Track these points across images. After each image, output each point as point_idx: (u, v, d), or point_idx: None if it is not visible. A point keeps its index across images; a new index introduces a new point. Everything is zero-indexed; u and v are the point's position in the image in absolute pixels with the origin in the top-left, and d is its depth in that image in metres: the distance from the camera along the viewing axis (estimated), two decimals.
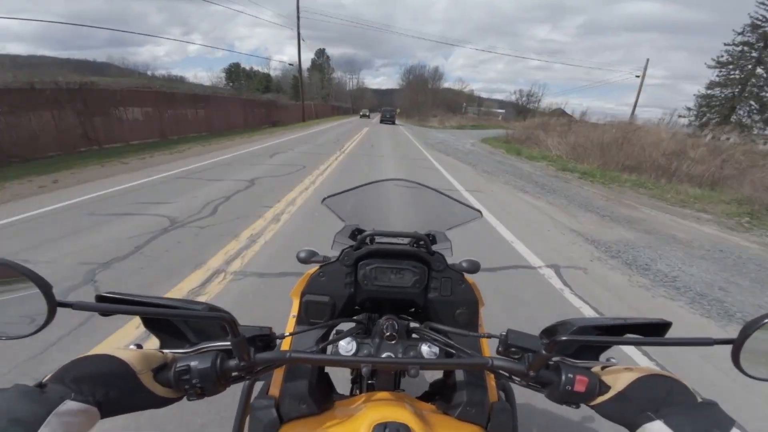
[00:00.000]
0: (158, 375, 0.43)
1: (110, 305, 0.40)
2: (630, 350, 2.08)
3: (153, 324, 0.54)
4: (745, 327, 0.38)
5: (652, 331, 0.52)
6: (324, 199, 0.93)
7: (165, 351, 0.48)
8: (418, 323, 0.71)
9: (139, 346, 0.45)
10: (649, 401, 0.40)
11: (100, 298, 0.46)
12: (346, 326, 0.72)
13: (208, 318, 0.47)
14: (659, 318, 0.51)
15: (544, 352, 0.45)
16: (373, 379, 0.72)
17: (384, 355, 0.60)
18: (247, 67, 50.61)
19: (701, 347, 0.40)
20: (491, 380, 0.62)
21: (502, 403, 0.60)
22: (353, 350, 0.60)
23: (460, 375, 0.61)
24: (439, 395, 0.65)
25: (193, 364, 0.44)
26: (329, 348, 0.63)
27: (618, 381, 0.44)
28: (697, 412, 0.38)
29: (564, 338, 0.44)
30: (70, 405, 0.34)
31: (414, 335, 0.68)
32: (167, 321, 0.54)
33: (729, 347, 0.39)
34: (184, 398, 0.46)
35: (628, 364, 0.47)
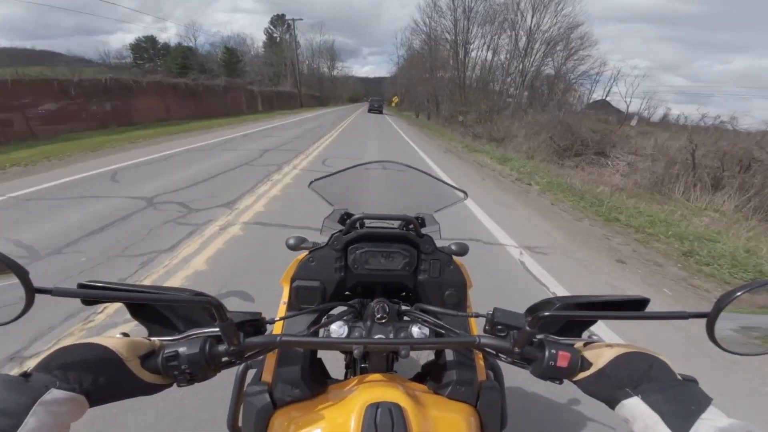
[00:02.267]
0: (146, 362, 0.43)
1: (92, 291, 0.39)
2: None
3: (139, 312, 0.54)
4: (718, 301, 0.39)
5: (632, 307, 0.53)
6: (311, 182, 0.92)
7: (152, 339, 0.47)
8: (409, 306, 0.72)
9: (126, 335, 0.45)
10: (629, 378, 0.41)
11: (82, 286, 0.45)
12: (338, 311, 0.72)
13: (194, 302, 0.47)
14: (638, 295, 0.53)
15: (528, 328, 0.46)
16: (366, 362, 0.73)
17: (376, 337, 0.61)
18: (171, 42, 36.58)
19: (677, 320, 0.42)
20: (480, 359, 0.64)
21: (491, 382, 0.62)
22: (345, 333, 0.61)
23: (449, 355, 0.62)
24: (431, 376, 0.67)
25: (181, 350, 0.44)
26: (321, 332, 0.63)
27: (599, 357, 0.45)
28: (675, 389, 0.39)
29: (546, 314, 0.45)
30: (55, 394, 0.34)
31: (405, 317, 0.69)
32: (154, 309, 0.54)
33: (704, 321, 0.40)
34: (174, 385, 0.46)
35: (610, 341, 0.48)
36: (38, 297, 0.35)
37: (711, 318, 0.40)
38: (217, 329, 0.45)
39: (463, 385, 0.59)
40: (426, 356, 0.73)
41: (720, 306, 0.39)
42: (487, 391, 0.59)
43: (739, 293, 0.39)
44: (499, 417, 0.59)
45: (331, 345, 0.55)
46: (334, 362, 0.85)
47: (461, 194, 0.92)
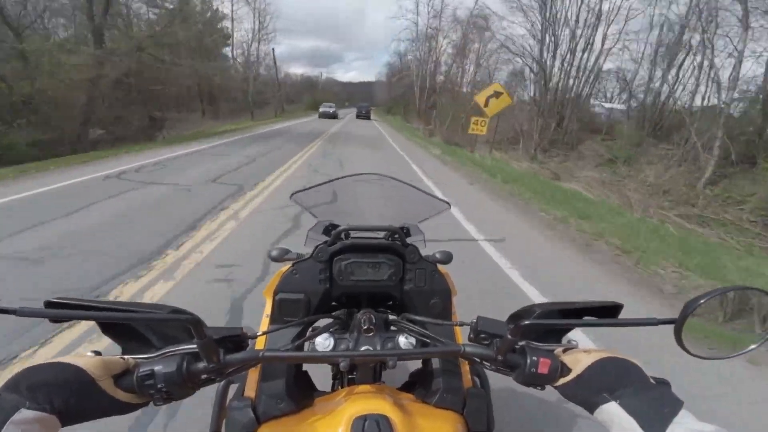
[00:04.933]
0: (120, 381, 0.42)
1: (60, 311, 0.38)
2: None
3: (112, 330, 0.51)
4: (685, 307, 0.41)
5: (607, 312, 0.55)
6: (293, 194, 0.92)
7: (126, 357, 0.46)
8: (396, 315, 0.72)
9: (98, 353, 0.43)
10: (606, 383, 0.42)
11: (50, 304, 0.43)
12: (323, 323, 0.72)
13: (171, 320, 0.45)
14: (613, 301, 0.55)
15: (509, 336, 0.47)
16: (353, 374, 0.73)
17: (363, 349, 0.61)
18: None
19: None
20: (466, 367, 0.65)
21: (476, 389, 0.63)
22: (331, 346, 0.60)
23: (436, 363, 0.63)
24: (418, 384, 0.67)
25: (157, 368, 0.42)
26: (307, 345, 0.63)
27: (578, 363, 0.46)
28: (649, 393, 0.40)
29: (526, 322, 0.46)
30: (25, 414, 0.33)
31: (392, 327, 0.69)
32: (128, 326, 0.52)
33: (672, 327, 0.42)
34: (151, 403, 0.44)
35: (587, 347, 0.50)
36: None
37: (678, 324, 0.42)
38: (195, 346, 0.44)
39: (450, 392, 0.59)
40: (414, 365, 0.73)
41: (686, 312, 0.41)
42: (472, 398, 0.60)
43: (703, 300, 0.41)
44: (485, 423, 0.60)
45: (316, 359, 0.55)
46: (321, 374, 0.84)
47: (445, 204, 0.94)
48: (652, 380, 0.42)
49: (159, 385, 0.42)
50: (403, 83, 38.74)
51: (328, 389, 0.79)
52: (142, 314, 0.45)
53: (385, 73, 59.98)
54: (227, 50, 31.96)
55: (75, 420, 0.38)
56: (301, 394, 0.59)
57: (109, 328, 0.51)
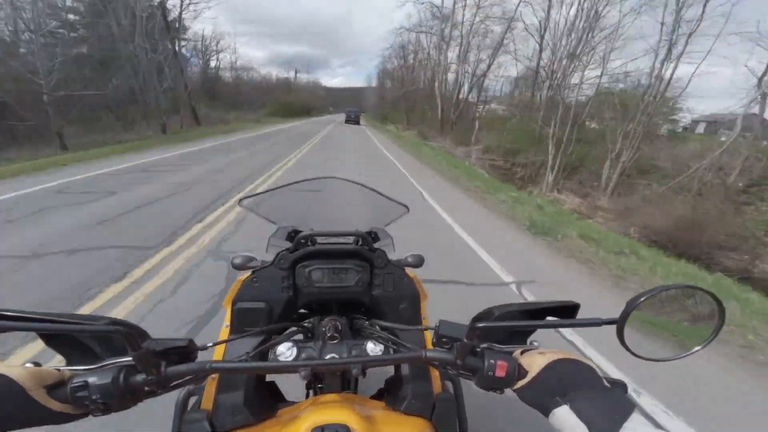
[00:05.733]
0: (53, 392, 0.41)
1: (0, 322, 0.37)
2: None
3: (55, 341, 0.50)
4: (626, 306, 0.41)
5: (564, 313, 0.55)
6: (240, 200, 0.89)
7: (63, 368, 0.45)
8: (366, 321, 0.71)
9: (37, 364, 0.43)
10: (559, 385, 0.42)
11: None
12: (288, 332, 0.70)
13: (105, 332, 0.44)
14: (570, 301, 0.54)
15: (466, 339, 0.47)
16: (323, 383, 0.71)
17: (328, 357, 0.59)
18: None
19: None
20: (435, 372, 0.64)
21: (446, 394, 0.62)
22: (293, 355, 0.59)
23: (406, 370, 0.62)
24: (389, 392, 0.66)
25: (91, 380, 0.41)
26: (270, 354, 0.61)
27: (533, 365, 0.45)
28: (602, 396, 0.39)
29: (481, 324, 0.45)
30: None
31: (362, 334, 0.68)
32: (72, 337, 0.50)
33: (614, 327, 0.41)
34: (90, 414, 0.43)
35: (542, 348, 0.49)
36: None
37: (620, 324, 0.41)
38: (129, 358, 0.43)
39: (418, 398, 0.58)
40: (387, 372, 0.72)
41: (627, 311, 0.41)
42: (441, 403, 0.59)
43: (643, 298, 0.40)
44: (456, 429, 0.59)
45: (272, 369, 0.53)
46: (294, 384, 0.81)
47: (403, 208, 0.94)
48: (606, 382, 0.42)
49: (94, 397, 0.41)
50: (405, 84, 33.55)
51: (302, 399, 0.77)
52: (78, 326, 0.44)
53: (377, 77, 56.30)
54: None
55: (6, 428, 0.37)
56: (262, 405, 0.58)
57: (51, 339, 0.50)
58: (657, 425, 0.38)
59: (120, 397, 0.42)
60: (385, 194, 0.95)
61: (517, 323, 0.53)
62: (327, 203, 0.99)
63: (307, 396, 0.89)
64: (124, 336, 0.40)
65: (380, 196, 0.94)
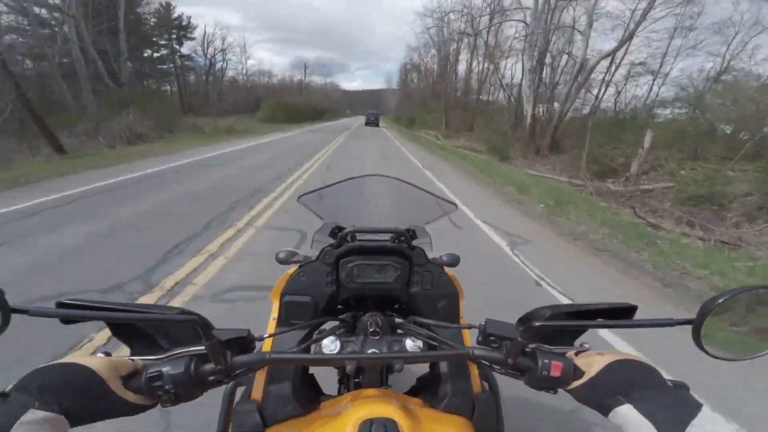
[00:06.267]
0: (128, 382, 0.42)
1: (71, 311, 0.39)
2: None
3: (122, 331, 0.53)
4: (702, 307, 0.40)
5: (621, 315, 0.54)
6: (300, 196, 0.92)
7: (135, 358, 0.46)
8: (402, 318, 0.71)
9: (108, 354, 0.44)
10: (620, 385, 0.42)
11: (61, 305, 0.44)
12: (329, 326, 0.72)
13: (179, 321, 0.46)
14: (626, 303, 0.53)
15: (520, 339, 0.46)
16: (359, 378, 0.72)
17: (369, 352, 0.60)
18: None
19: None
20: (474, 371, 0.63)
21: (486, 393, 0.62)
22: (337, 349, 0.60)
23: (444, 367, 0.62)
24: (425, 389, 0.66)
25: (165, 369, 0.43)
26: (313, 348, 0.62)
27: (591, 366, 0.45)
28: (666, 396, 0.39)
29: (537, 324, 0.45)
30: (35, 414, 0.33)
31: (399, 330, 0.69)
32: (137, 328, 0.53)
33: (689, 327, 0.41)
34: (159, 405, 0.45)
35: (601, 349, 0.49)
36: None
37: (696, 324, 0.41)
38: (203, 348, 0.44)
39: (458, 396, 0.58)
40: (421, 369, 0.72)
41: (704, 312, 0.40)
42: (482, 402, 0.59)
43: (721, 299, 0.39)
44: (495, 428, 0.59)
45: (323, 361, 0.55)
46: (327, 377, 0.83)
47: (452, 206, 0.93)
48: (669, 383, 0.41)
49: (167, 387, 0.42)
50: (445, 78, 27.77)
51: (334, 393, 0.78)
52: (151, 315, 0.45)
53: (400, 72, 49.21)
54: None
55: (84, 421, 0.38)
56: (307, 397, 0.59)
57: (118, 329, 0.52)
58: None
59: (190, 386, 0.43)
60: (431, 191, 0.96)
61: (576, 323, 0.52)
62: (372, 200, 1.01)
63: (339, 390, 0.90)
64: (199, 326, 0.41)
65: (427, 193, 0.95)
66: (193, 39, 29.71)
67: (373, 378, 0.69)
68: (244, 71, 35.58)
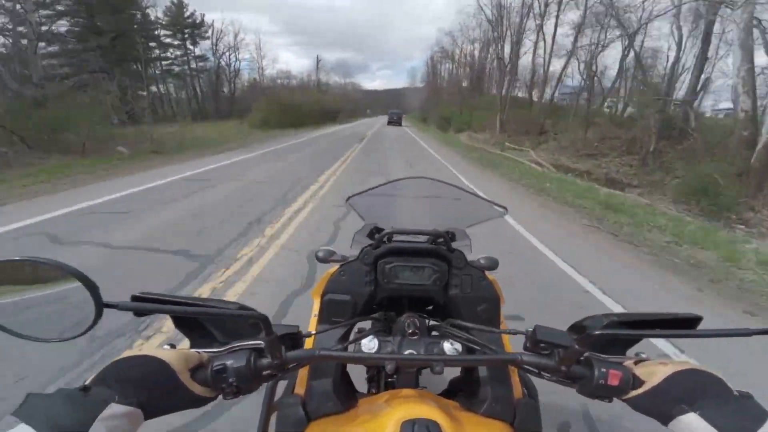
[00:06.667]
0: (195, 374, 0.44)
1: (148, 305, 0.41)
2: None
3: (183, 324, 0.56)
4: None
5: (683, 326, 0.52)
6: (348, 198, 0.94)
7: (200, 351, 0.48)
8: (437, 320, 0.71)
9: (173, 346, 0.46)
10: (685, 394, 0.41)
11: (135, 298, 0.48)
12: (367, 325, 0.73)
13: (242, 317, 0.48)
14: (689, 312, 0.51)
15: (576, 347, 0.46)
16: (393, 377, 0.73)
17: (406, 353, 0.61)
18: None
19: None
20: (515, 376, 0.63)
21: (528, 399, 0.61)
22: (375, 348, 0.61)
23: (483, 371, 0.61)
24: (461, 392, 0.66)
25: (229, 362, 0.45)
26: (352, 346, 0.64)
27: (653, 375, 0.44)
28: (732, 405, 0.38)
29: (597, 332, 0.44)
30: (114, 408, 0.34)
31: (434, 333, 0.69)
32: (196, 320, 0.55)
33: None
34: (220, 397, 0.46)
35: (661, 359, 0.47)
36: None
37: None
38: (259, 342, 0.46)
39: (499, 402, 0.57)
40: (453, 372, 0.71)
41: None
42: (524, 408, 0.58)
43: None
44: None
45: (365, 360, 0.56)
46: (356, 376, 0.85)
47: (501, 209, 0.92)
48: (735, 392, 0.40)
49: (230, 379, 0.44)
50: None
51: (364, 391, 0.79)
52: (214, 309, 0.48)
53: (427, 64, 43.80)
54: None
55: (156, 413, 0.39)
56: (345, 394, 0.60)
57: (181, 322, 0.55)
58: None
59: (250, 379, 0.45)
60: (480, 195, 0.96)
61: (638, 333, 0.50)
62: (415, 202, 1.02)
63: (369, 388, 0.91)
64: (262, 321, 0.43)
65: (474, 197, 0.95)
66: (207, 38, 27.01)
67: (408, 379, 0.69)
68: (261, 71, 32.42)
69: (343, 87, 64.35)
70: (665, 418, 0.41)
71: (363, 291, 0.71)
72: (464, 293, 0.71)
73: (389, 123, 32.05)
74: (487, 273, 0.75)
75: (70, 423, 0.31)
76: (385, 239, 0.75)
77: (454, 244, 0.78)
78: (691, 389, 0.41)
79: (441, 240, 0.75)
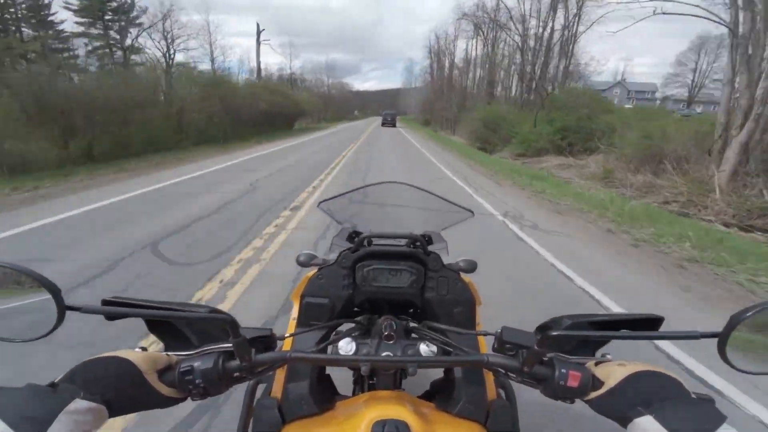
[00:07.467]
0: (163, 376, 0.45)
1: (116, 308, 0.42)
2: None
3: (157, 327, 0.56)
4: (730, 320, 0.39)
5: (646, 326, 0.53)
6: (320, 203, 0.95)
7: (170, 353, 0.49)
8: (417, 323, 0.72)
9: (144, 349, 0.47)
10: (641, 396, 0.41)
11: (106, 302, 0.48)
12: (345, 327, 0.73)
13: (210, 320, 0.48)
14: (651, 313, 0.52)
15: (536, 348, 0.46)
16: (373, 380, 0.73)
17: (383, 355, 0.61)
18: None
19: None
20: (489, 378, 0.64)
21: (501, 401, 0.62)
22: (353, 350, 0.61)
23: (458, 373, 0.62)
24: (439, 393, 0.67)
25: (196, 364, 0.45)
26: (329, 349, 0.64)
27: (611, 376, 0.45)
28: (688, 408, 0.39)
29: (555, 333, 0.45)
30: (79, 404, 0.36)
31: (413, 335, 0.69)
32: (171, 324, 0.56)
33: (715, 341, 0.40)
34: (189, 399, 0.47)
35: (622, 360, 0.48)
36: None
37: (722, 337, 0.40)
38: (230, 345, 0.46)
39: (472, 403, 0.58)
40: (435, 374, 0.72)
41: (731, 325, 0.39)
42: (498, 409, 0.59)
43: (750, 313, 0.39)
44: None
45: (339, 362, 0.56)
46: (342, 378, 0.85)
47: (468, 213, 0.94)
48: (693, 395, 0.41)
49: (197, 381, 0.45)
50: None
51: (350, 394, 0.80)
52: (185, 313, 0.48)
53: (430, 57, 39.10)
54: None
55: (121, 411, 0.40)
56: (323, 397, 0.61)
57: (154, 325, 0.55)
58: None
59: (217, 381, 0.46)
60: (448, 199, 0.97)
61: (595, 333, 0.52)
62: (390, 206, 1.03)
63: (354, 391, 0.92)
64: (228, 324, 0.44)
65: (443, 200, 0.96)
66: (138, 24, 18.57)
67: (386, 380, 0.69)
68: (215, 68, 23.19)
69: (318, 85, 53.46)
70: (623, 420, 0.42)
71: (341, 294, 0.72)
72: (440, 295, 0.72)
73: (383, 124, 34.42)
74: (463, 275, 0.76)
75: (37, 414, 0.33)
76: (365, 242, 0.76)
77: (430, 247, 0.79)
78: (648, 391, 0.41)
79: (418, 243, 0.76)
